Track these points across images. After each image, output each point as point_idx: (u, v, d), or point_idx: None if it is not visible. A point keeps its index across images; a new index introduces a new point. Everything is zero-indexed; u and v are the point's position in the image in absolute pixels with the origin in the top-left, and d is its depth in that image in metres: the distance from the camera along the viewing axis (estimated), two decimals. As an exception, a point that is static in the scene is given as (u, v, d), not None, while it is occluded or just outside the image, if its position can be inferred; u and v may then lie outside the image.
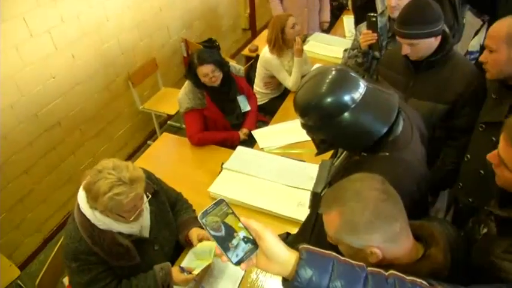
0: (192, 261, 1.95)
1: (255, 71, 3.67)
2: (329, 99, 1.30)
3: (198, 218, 0.91)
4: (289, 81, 3.34)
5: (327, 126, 1.35)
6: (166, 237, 1.95)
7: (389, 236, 1.01)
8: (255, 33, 6.06)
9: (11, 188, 3.03)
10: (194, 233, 2.00)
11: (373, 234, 1.01)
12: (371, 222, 1.00)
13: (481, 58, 1.78)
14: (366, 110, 1.32)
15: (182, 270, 1.86)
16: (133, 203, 1.63)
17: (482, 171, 1.79)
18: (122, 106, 4.03)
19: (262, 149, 2.77)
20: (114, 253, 1.72)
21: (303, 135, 1.98)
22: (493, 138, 1.72)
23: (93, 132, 3.73)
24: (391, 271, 0.91)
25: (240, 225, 0.91)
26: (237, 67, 3.08)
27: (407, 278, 0.89)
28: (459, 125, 2.03)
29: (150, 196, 1.81)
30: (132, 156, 4.28)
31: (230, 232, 0.90)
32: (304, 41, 3.82)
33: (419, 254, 1.09)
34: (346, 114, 1.30)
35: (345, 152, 1.59)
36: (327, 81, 1.33)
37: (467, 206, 1.93)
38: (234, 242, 0.89)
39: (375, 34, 2.43)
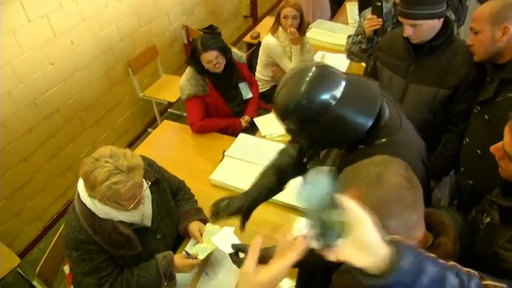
0: (197, 246, 1.91)
1: (256, 58, 3.62)
2: (309, 100, 1.22)
3: None
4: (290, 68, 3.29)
5: (311, 127, 1.28)
6: (168, 226, 1.93)
7: (405, 225, 0.97)
8: (256, 21, 5.99)
9: (10, 176, 3.00)
10: (195, 227, 1.98)
11: (390, 221, 0.96)
12: (390, 210, 0.96)
13: (468, 41, 1.86)
14: (349, 105, 1.25)
15: (187, 255, 1.84)
16: (132, 192, 1.60)
17: (479, 151, 1.81)
18: (122, 93, 3.98)
19: (264, 137, 2.73)
20: (115, 242, 1.70)
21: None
22: (486, 117, 1.78)
23: (93, 120, 3.69)
24: (451, 262, 0.85)
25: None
26: (239, 54, 3.03)
27: (464, 269, 0.85)
28: (460, 110, 2.02)
29: (149, 183, 1.79)
30: (132, 144, 4.24)
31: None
32: (306, 28, 3.76)
33: (428, 242, 1.06)
34: (329, 112, 1.23)
35: (333, 151, 1.54)
36: (306, 80, 1.24)
37: (468, 190, 1.93)
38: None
39: (380, 19, 2.38)
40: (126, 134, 4.20)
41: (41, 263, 2.08)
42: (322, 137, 1.32)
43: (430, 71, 2.01)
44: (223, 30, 4.98)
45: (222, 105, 2.88)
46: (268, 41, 3.29)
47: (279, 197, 2.16)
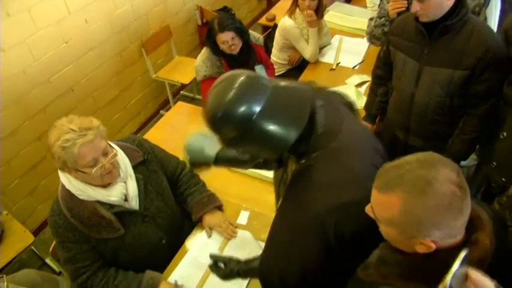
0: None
1: (272, 41, 3.56)
2: (229, 112, 1.09)
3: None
4: (307, 52, 3.24)
5: (236, 139, 1.15)
6: (159, 208, 1.86)
7: (449, 233, 0.92)
8: (270, 3, 5.89)
9: (24, 155, 3.01)
10: (208, 222, 1.98)
11: (436, 231, 0.90)
12: (438, 221, 0.89)
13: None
14: (271, 118, 1.11)
15: (175, 284, 1.78)
16: (91, 155, 1.52)
17: None
18: (135, 74, 3.95)
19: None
20: (94, 225, 1.65)
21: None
22: None
23: (106, 100, 3.67)
24: None
25: None
26: (256, 35, 2.97)
27: None
28: (479, 91, 1.96)
29: (118, 154, 1.68)
30: (144, 125, 4.23)
31: None
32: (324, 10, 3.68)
33: (462, 238, 0.99)
34: (250, 126, 1.10)
35: (289, 163, 1.41)
36: (225, 91, 1.12)
37: (499, 187, 1.87)
38: None
39: (405, 1, 2.32)
40: (138, 116, 4.18)
41: (54, 243, 2.08)
42: (249, 150, 1.24)
43: (445, 53, 1.95)
44: (237, 12, 4.91)
45: (238, 87, 2.83)
46: (286, 22, 3.22)
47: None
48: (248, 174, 2.28)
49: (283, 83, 1.21)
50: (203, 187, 2.08)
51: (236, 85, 1.11)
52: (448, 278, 0.81)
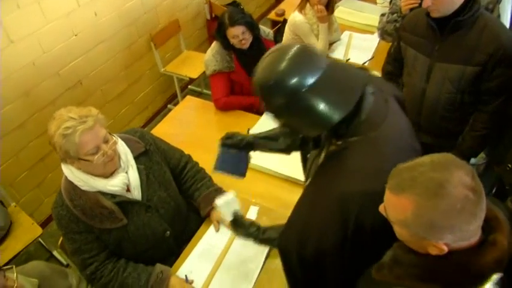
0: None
1: (281, 36, 3.53)
2: (278, 82, 1.13)
3: None
4: (317, 47, 3.21)
5: (282, 109, 1.17)
6: (162, 199, 1.85)
7: (463, 236, 0.90)
8: (278, -1, 5.86)
9: (32, 147, 3.01)
10: (216, 216, 1.98)
11: (447, 235, 0.89)
12: (452, 225, 0.88)
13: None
14: (320, 95, 1.13)
15: (186, 280, 1.78)
16: (92, 143, 1.53)
17: None
18: (144, 68, 3.95)
19: (289, 116, 2.67)
20: (97, 215, 1.65)
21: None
22: None
23: (114, 93, 3.67)
24: None
25: None
26: (266, 30, 2.95)
27: None
28: (490, 87, 1.95)
29: (116, 143, 1.67)
30: (152, 120, 4.22)
31: None
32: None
33: (479, 239, 0.97)
34: (296, 98, 1.13)
35: (325, 143, 1.41)
36: (282, 60, 1.14)
37: None
38: None
39: (418, -3, 2.29)
40: (146, 110, 4.17)
41: (63, 236, 2.09)
42: (289, 120, 1.23)
43: (456, 49, 1.94)
44: (245, 6, 4.88)
45: (247, 82, 2.81)
46: (296, 18, 3.19)
47: (302, 176, 2.13)
48: (258, 169, 2.27)
49: (339, 63, 1.24)
50: (210, 181, 2.07)
51: (291, 56, 1.14)
52: None
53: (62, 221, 1.67)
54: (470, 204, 0.87)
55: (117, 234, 1.73)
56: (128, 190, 1.75)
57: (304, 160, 1.62)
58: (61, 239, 2.03)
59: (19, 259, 2.62)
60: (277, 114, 1.22)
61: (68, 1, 2.94)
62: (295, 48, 1.16)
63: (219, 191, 2.03)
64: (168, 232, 1.88)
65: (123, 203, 1.71)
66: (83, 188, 1.63)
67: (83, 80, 3.27)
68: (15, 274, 1.43)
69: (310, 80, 1.12)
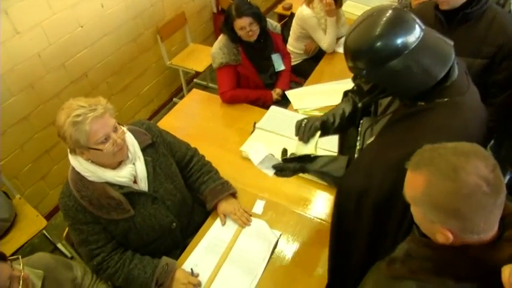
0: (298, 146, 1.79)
1: (288, 30, 3.51)
2: (383, 41, 1.19)
3: None
4: (324, 42, 3.18)
5: (378, 71, 1.24)
6: (168, 191, 1.85)
7: (469, 228, 0.89)
8: (285, -8, 5.81)
9: (37, 139, 3.00)
10: (223, 209, 1.97)
11: (452, 219, 0.89)
12: (456, 209, 0.87)
13: None
14: (421, 56, 1.21)
15: (192, 273, 1.76)
16: (102, 131, 1.52)
17: None
18: (150, 61, 3.92)
19: (296, 110, 2.65)
20: (104, 206, 1.65)
21: (340, 98, 1.89)
22: None
23: (120, 86, 3.65)
24: None
25: None
26: (273, 23, 2.92)
27: None
28: (498, 80, 1.97)
29: (125, 132, 1.68)
30: (157, 113, 4.21)
31: None
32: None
33: (495, 235, 0.96)
34: (399, 59, 1.20)
35: (394, 104, 1.47)
36: (381, 23, 1.21)
37: None
38: None
39: (428, -8, 2.25)
40: (151, 103, 4.16)
41: (67, 228, 2.07)
42: (386, 82, 1.28)
43: (464, 41, 1.91)
44: (252, 0, 4.85)
45: (254, 76, 2.79)
46: (303, 11, 3.17)
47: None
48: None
49: (429, 29, 1.28)
50: (216, 175, 2.06)
51: (390, 17, 1.21)
52: None
53: (69, 211, 1.66)
54: (481, 195, 0.86)
55: (124, 225, 1.73)
56: (135, 182, 1.74)
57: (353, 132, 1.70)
58: (66, 230, 2.02)
59: (23, 251, 2.62)
60: (371, 75, 1.27)
61: (74, -8, 2.92)
62: (391, 11, 1.23)
63: (226, 185, 2.01)
64: (174, 224, 1.88)
65: (130, 194, 1.71)
66: (90, 178, 1.63)
67: (89, 72, 3.26)
68: (21, 265, 1.42)
69: (413, 42, 1.19)
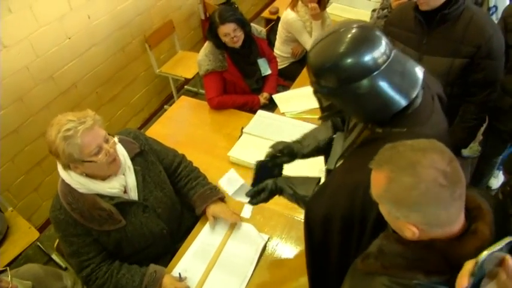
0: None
1: (275, 34, 3.54)
2: (348, 61, 1.12)
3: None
4: (310, 44, 3.21)
5: (340, 90, 1.17)
6: (158, 199, 1.87)
7: (432, 221, 0.92)
8: (273, -4, 5.86)
9: (28, 151, 3.01)
10: (212, 211, 1.98)
11: (414, 213, 0.91)
12: (416, 203, 0.90)
13: None
14: (389, 79, 1.14)
15: (180, 277, 1.78)
16: (94, 142, 1.54)
17: None
18: (139, 69, 3.95)
19: (283, 114, 2.68)
20: (95, 217, 1.66)
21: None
22: None
23: (109, 96, 3.67)
24: None
25: None
26: (258, 29, 2.96)
27: None
28: (478, 79, 2.00)
29: (116, 142, 1.68)
30: (148, 121, 4.23)
31: None
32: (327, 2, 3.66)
33: (462, 228, 0.98)
34: (365, 80, 1.12)
35: (359, 125, 1.42)
36: (347, 39, 1.13)
37: None
38: None
39: (408, -6, 2.29)
40: (141, 111, 4.17)
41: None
42: (348, 103, 1.22)
43: (444, 41, 1.98)
44: (240, 5, 4.88)
45: (240, 81, 2.82)
46: (288, 15, 3.21)
47: (297, 174, 2.13)
48: (252, 167, 2.26)
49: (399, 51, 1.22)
50: (204, 180, 2.08)
51: (356, 35, 1.14)
52: (483, 254, 0.80)
53: (60, 224, 1.68)
54: (438, 188, 0.88)
55: (116, 235, 1.74)
56: (125, 192, 1.76)
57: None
58: (57, 241, 2.04)
59: (18, 263, 2.62)
60: (335, 94, 1.20)
61: (60, 5, 2.94)
62: (358, 28, 1.15)
63: (214, 190, 2.04)
64: (165, 230, 1.90)
65: (121, 204, 1.72)
66: (81, 190, 1.64)
67: (78, 83, 3.27)
68: (9, 277, 1.44)
69: (382, 60, 1.13)
